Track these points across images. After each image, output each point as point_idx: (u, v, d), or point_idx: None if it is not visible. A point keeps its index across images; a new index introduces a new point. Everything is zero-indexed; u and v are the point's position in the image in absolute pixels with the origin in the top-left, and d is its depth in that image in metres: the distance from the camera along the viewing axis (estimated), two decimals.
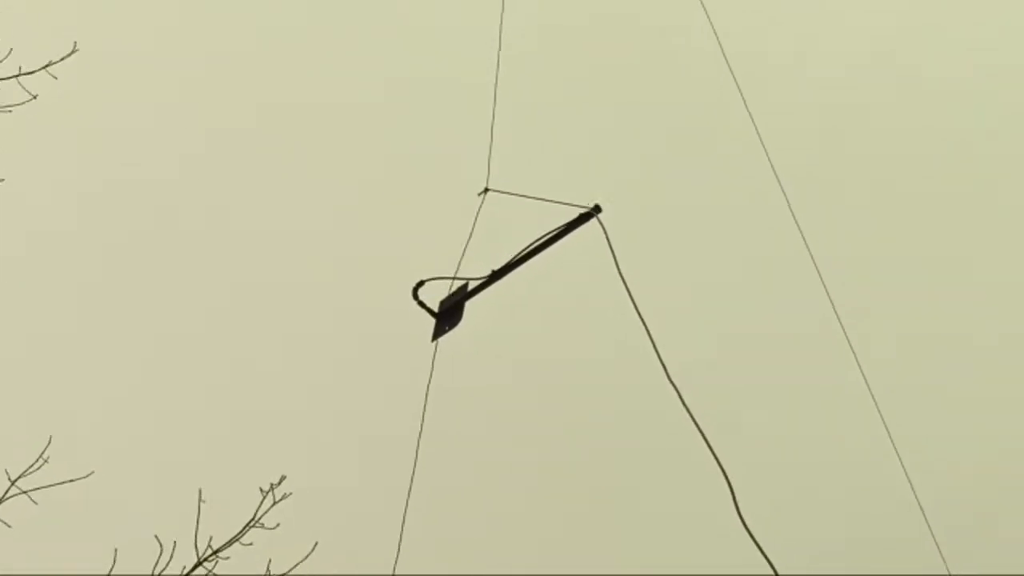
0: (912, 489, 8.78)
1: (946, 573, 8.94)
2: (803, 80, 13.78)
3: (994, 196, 13.88)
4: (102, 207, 12.83)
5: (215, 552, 8.19)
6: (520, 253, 7.60)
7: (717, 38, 9.04)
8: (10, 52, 8.31)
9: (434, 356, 7.71)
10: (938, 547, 8.86)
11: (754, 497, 6.60)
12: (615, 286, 7.16)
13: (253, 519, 8.28)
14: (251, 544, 8.29)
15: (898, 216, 13.74)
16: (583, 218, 7.51)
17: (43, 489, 8.22)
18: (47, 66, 8.52)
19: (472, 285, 7.76)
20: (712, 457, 6.60)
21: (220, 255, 13.10)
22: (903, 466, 8.74)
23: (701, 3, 9.02)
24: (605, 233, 7.34)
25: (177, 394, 12.47)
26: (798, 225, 8.88)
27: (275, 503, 8.28)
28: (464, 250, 7.86)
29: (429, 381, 7.65)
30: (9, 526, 8.20)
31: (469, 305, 7.74)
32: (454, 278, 7.81)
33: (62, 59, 8.56)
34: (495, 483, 12.60)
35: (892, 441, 8.76)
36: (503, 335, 11.69)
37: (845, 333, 8.80)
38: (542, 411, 12.85)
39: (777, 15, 13.93)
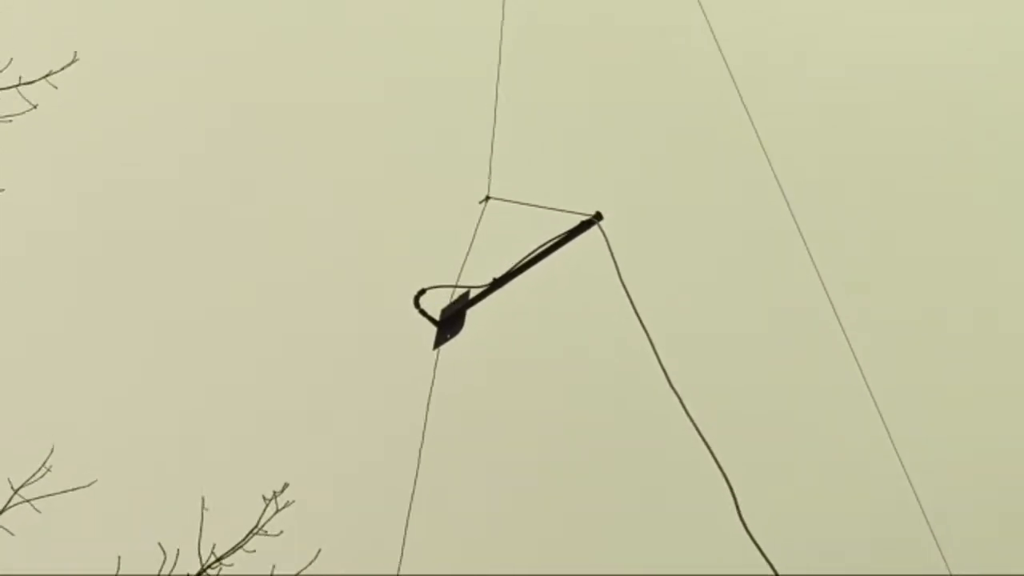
0: (912, 489, 8.79)
1: (946, 573, 8.96)
2: (803, 80, 13.77)
3: (994, 196, 13.88)
4: (102, 216, 12.84)
5: (218, 559, 8.16)
6: (521, 261, 7.62)
7: (716, 40, 9.04)
8: (10, 62, 8.31)
9: (436, 364, 7.72)
10: (938, 547, 8.87)
11: (754, 497, 6.62)
12: (617, 294, 7.18)
13: (256, 526, 8.25)
14: (254, 551, 8.26)
15: (898, 216, 13.74)
16: (584, 226, 7.52)
17: (46, 497, 8.21)
18: (47, 76, 8.50)
19: (473, 293, 7.78)
20: (712, 458, 6.63)
21: (220, 260, 13.10)
22: (903, 466, 8.75)
23: (700, 4, 9.03)
24: (607, 241, 7.35)
25: (180, 401, 12.47)
26: (798, 226, 8.89)
27: (278, 510, 8.25)
28: (465, 258, 7.87)
29: (431, 389, 7.67)
30: (12, 535, 8.21)
31: (471, 313, 7.76)
32: (455, 286, 7.83)
33: (62, 69, 8.54)
34: (497, 490, 12.61)
35: (892, 441, 8.78)
36: (505, 343, 11.67)
37: (845, 334, 8.81)
38: (544, 419, 12.85)
39: (777, 15, 13.92)
